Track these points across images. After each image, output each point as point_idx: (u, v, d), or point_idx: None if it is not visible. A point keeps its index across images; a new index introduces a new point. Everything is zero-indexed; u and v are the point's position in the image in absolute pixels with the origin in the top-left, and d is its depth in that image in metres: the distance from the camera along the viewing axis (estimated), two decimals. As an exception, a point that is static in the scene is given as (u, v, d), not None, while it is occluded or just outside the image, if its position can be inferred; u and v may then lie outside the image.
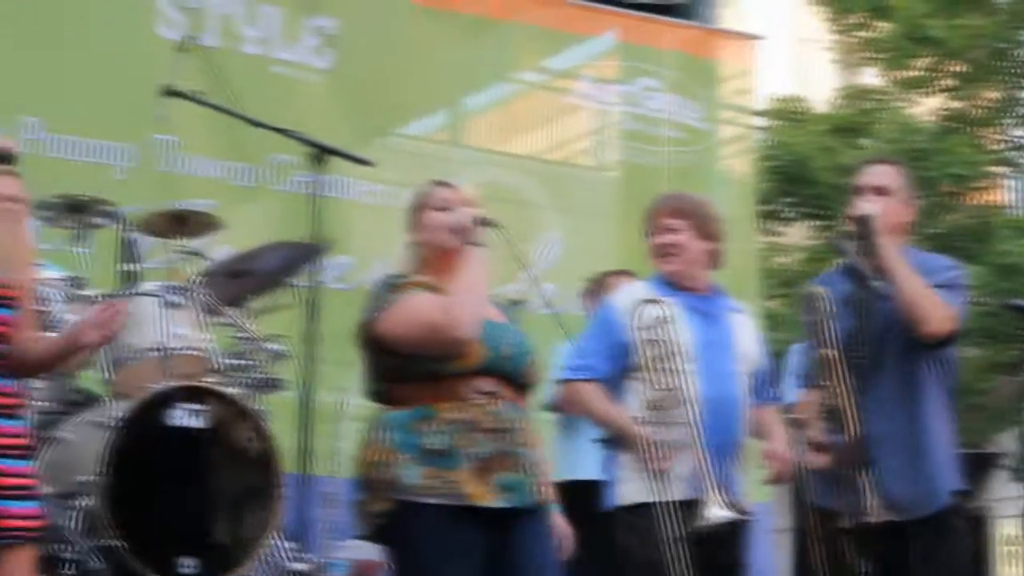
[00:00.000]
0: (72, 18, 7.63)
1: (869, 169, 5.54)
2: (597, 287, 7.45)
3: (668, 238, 5.41)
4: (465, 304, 4.59)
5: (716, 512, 5.13)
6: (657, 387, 5.23)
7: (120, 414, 5.61)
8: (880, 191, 5.43)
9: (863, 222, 5.28)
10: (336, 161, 5.90)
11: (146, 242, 6.63)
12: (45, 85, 7.44)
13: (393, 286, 4.69)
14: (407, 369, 4.63)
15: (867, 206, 5.31)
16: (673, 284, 5.41)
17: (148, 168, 7.71)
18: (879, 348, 5.33)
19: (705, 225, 5.44)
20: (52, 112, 7.44)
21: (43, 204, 6.11)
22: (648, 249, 5.48)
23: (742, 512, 5.24)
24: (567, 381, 5.47)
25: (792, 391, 5.96)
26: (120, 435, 5.54)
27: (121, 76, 7.55)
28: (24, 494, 4.34)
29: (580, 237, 9.17)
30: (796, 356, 6.95)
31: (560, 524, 5.02)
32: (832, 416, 5.28)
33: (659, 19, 10.02)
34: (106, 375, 5.96)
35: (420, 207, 4.85)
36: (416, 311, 4.60)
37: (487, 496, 4.57)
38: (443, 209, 4.79)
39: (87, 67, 7.56)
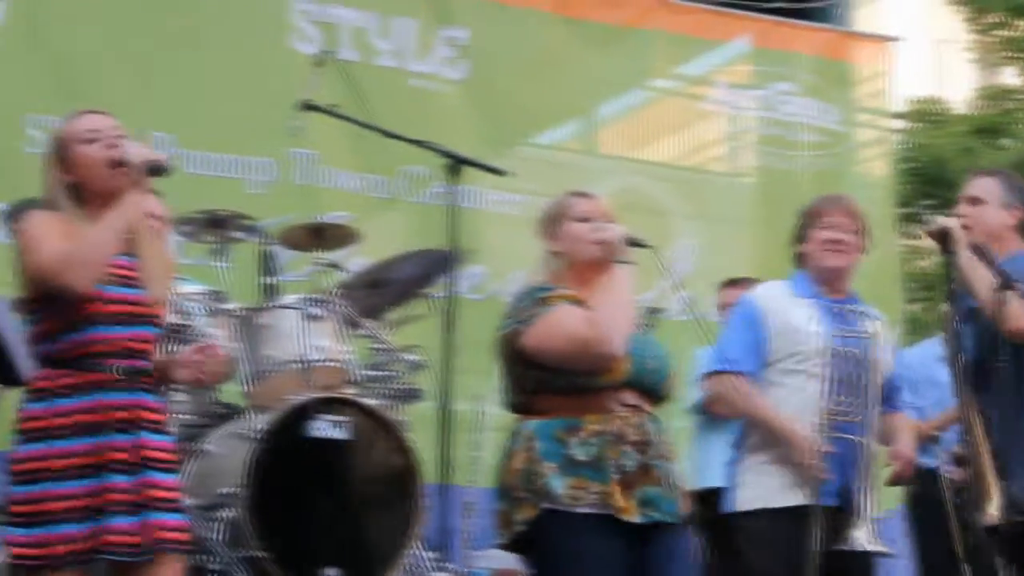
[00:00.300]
0: (207, 34, 7.72)
1: (968, 181, 5.62)
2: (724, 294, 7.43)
3: (840, 234, 5.40)
4: (615, 320, 4.57)
5: (861, 540, 5.11)
6: (822, 391, 5.20)
7: (261, 426, 5.66)
8: (973, 201, 5.50)
9: (940, 235, 5.25)
10: (470, 171, 5.92)
11: (285, 255, 6.70)
12: (180, 101, 7.53)
13: (539, 298, 4.67)
14: (552, 381, 4.62)
15: (942, 219, 5.31)
16: (814, 286, 5.38)
17: (285, 182, 7.79)
18: (997, 356, 5.32)
19: (865, 236, 5.48)
20: (187, 128, 7.53)
21: (183, 220, 6.20)
22: (812, 242, 5.44)
23: (883, 545, 5.21)
24: (714, 374, 5.44)
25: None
26: (262, 447, 5.60)
27: (257, 91, 7.63)
28: (174, 507, 4.40)
29: (716, 243, 9.11)
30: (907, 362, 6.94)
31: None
32: (965, 426, 5.23)
33: (794, 23, 9.91)
34: (247, 387, 6.01)
35: (559, 217, 4.82)
36: (566, 325, 4.58)
37: (633, 510, 4.55)
38: (584, 220, 4.77)
39: (223, 82, 7.65)
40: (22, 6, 7.33)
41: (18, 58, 7.30)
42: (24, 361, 4.46)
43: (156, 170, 4.45)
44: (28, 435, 4.34)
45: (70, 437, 4.30)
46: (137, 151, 4.45)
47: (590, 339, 4.53)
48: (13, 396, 4.39)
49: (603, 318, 4.56)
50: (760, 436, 5.28)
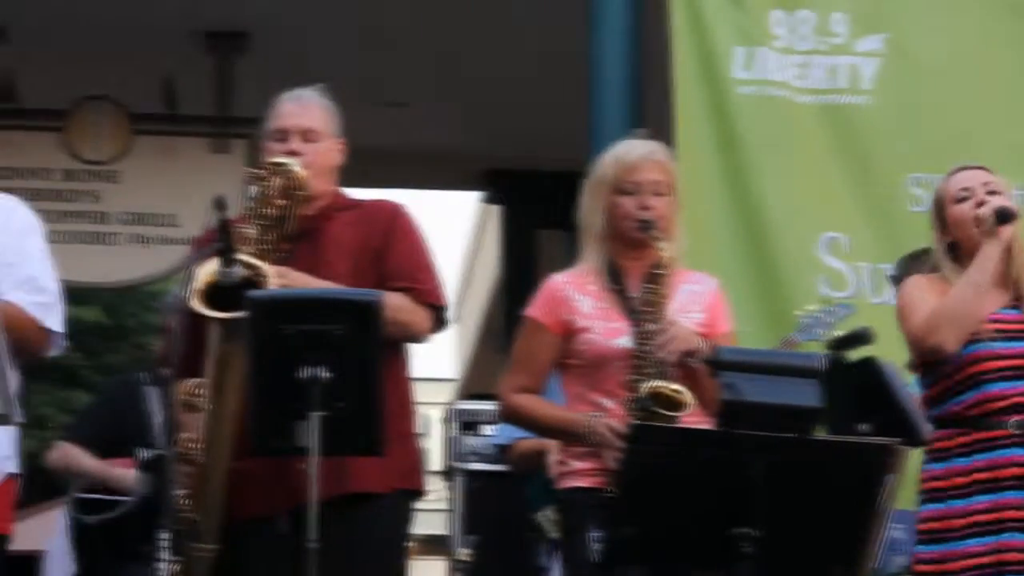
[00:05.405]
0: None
1: None
2: None
3: None
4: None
5: None
6: None
7: None
8: None
9: None
10: None
11: None
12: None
13: None
14: None
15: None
16: None
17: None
18: None
19: None
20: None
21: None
22: None
23: None
24: None
25: None
26: None
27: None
28: None
29: None
30: None
31: None
32: None
33: None
34: None
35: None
36: None
37: None
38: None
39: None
40: (893, 64, 6.66)
41: (894, 117, 6.62)
42: (921, 422, 4.44)
43: (1004, 217, 4.39)
44: (929, 495, 4.41)
45: (968, 496, 4.33)
46: (992, 203, 4.42)
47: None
48: (917, 456, 4.49)
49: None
50: None
